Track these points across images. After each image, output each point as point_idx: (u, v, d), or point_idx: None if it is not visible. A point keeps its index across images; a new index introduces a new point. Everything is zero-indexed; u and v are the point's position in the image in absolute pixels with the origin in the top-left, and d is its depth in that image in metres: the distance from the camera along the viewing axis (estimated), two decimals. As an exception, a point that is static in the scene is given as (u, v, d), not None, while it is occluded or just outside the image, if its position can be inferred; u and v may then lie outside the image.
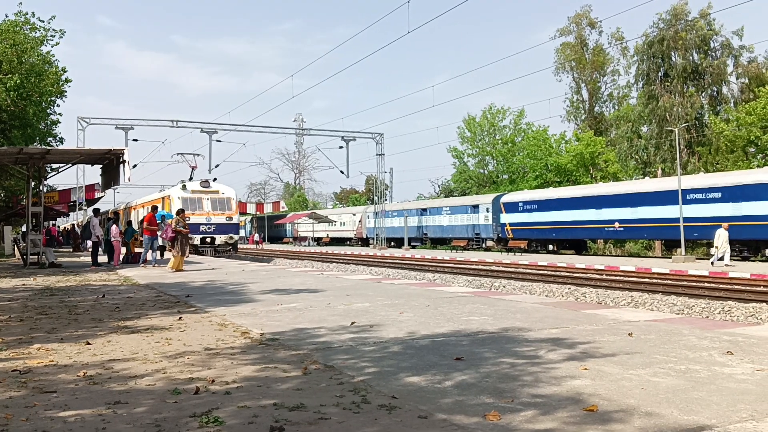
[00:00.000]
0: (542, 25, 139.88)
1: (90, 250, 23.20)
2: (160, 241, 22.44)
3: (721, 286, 19.96)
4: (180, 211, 21.37)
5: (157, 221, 21.70)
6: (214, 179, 38.85)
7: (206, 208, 37.03)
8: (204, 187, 37.70)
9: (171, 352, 5.92)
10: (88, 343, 6.42)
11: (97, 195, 44.34)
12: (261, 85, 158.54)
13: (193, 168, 41.59)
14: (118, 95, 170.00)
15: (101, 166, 25.28)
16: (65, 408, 4.04)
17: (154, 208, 23.98)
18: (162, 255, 23.54)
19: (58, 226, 66.68)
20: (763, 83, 48.55)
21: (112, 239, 21.58)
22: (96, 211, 25.41)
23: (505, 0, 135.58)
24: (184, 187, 37.16)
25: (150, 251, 21.37)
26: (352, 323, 7.50)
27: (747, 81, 52.35)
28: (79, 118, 41.28)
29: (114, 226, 21.85)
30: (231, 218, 37.78)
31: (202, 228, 36.35)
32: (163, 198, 38.42)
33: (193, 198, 36.82)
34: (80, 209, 43.90)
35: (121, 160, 21.55)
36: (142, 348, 6.15)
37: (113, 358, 5.69)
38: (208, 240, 36.87)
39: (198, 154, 43.11)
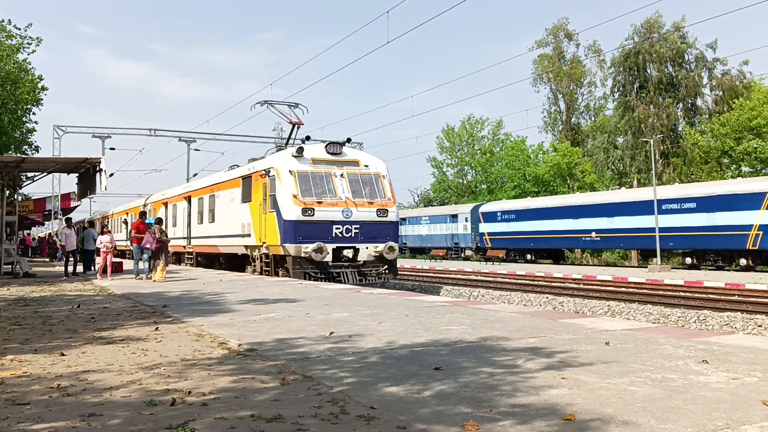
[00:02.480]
0: (520, 37, 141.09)
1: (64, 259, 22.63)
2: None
3: (696, 295, 20.17)
4: (158, 221, 20.72)
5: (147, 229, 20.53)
6: (347, 140, 22.04)
7: (341, 193, 20.35)
8: (333, 153, 21.15)
9: (147, 363, 5.85)
10: (63, 354, 6.33)
11: (72, 204, 43.83)
12: (242, 94, 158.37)
13: (296, 125, 24.40)
14: (96, 103, 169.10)
15: (77, 174, 24.99)
16: (38, 420, 3.97)
17: (143, 215, 22.52)
18: (150, 267, 20.72)
19: (49, 235, 65.70)
20: (736, 95, 49.40)
21: (103, 249, 20.13)
22: (68, 221, 24.30)
23: (483, 12, 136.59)
24: (299, 152, 20.49)
25: (141, 261, 19.93)
26: (331, 333, 7.47)
27: (721, 93, 53.18)
28: (55, 126, 40.84)
29: (105, 235, 20.56)
30: (385, 212, 20.78)
31: (335, 231, 19.89)
32: (248, 177, 22.71)
33: (317, 173, 20.42)
34: (55, 218, 43.37)
35: (98, 168, 21.29)
36: (117, 359, 6.07)
37: (88, 369, 5.61)
38: (348, 254, 20.12)
39: (297, 105, 25.03)
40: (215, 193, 26.01)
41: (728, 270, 30.61)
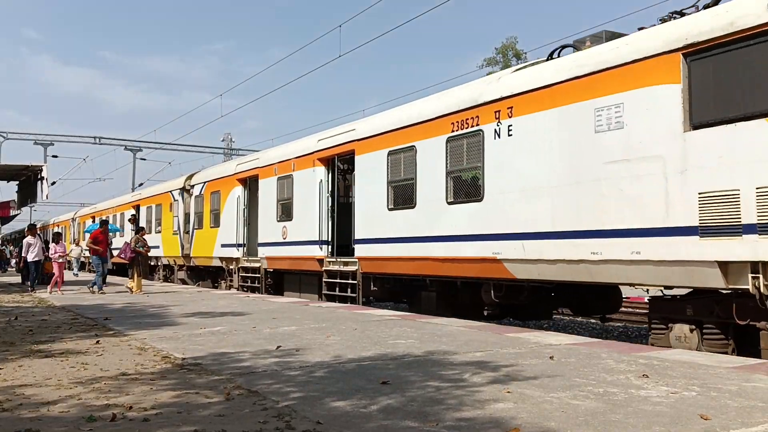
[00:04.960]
0: (471, 55, 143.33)
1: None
2: (109, 264, 18.87)
3: (637, 310, 20.63)
4: (140, 230, 19.47)
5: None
6: None
7: None
8: None
9: (87, 377, 5.69)
10: (-2, 368, 6.12)
11: (12, 213, 42.48)
12: (191, 103, 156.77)
13: None
14: (40, 110, 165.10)
15: (17, 182, 24.29)
16: (-30, 437, 3.82)
17: (104, 222, 20.20)
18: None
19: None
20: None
21: (57, 260, 18.61)
22: (32, 228, 21.42)
23: (434, 29, 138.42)
24: None
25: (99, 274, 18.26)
26: (278, 347, 7.40)
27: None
28: (-5, 132, 39.67)
29: (54, 244, 19.12)
30: None
31: None
32: None
33: None
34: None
35: (39, 176, 20.72)
36: (56, 373, 5.89)
37: (24, 383, 5.43)
38: None
39: None
40: (506, 123, 10.59)
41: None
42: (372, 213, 13.87)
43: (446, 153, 11.75)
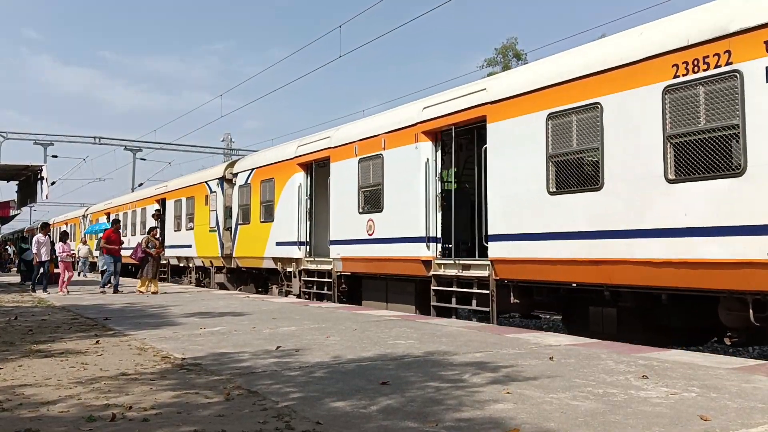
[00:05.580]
0: (471, 55, 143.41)
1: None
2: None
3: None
4: (151, 229, 18.81)
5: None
6: None
7: None
8: None
9: (86, 377, 5.69)
10: (-3, 368, 6.12)
11: (12, 213, 42.46)
12: (191, 103, 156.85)
13: None
14: (40, 110, 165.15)
15: (17, 182, 24.30)
16: (-31, 437, 3.82)
17: (116, 222, 19.81)
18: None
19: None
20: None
21: (65, 259, 18.47)
22: (45, 227, 20.22)
23: (434, 29, 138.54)
24: None
25: (113, 274, 18.12)
26: (278, 347, 7.40)
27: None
28: (-5, 132, 39.67)
29: (61, 243, 18.88)
30: None
31: None
32: None
33: None
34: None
35: (39, 176, 20.69)
36: (55, 373, 5.89)
37: (24, 383, 5.43)
38: None
39: None
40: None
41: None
42: (519, 199, 10.22)
43: (663, 108, 8.15)
